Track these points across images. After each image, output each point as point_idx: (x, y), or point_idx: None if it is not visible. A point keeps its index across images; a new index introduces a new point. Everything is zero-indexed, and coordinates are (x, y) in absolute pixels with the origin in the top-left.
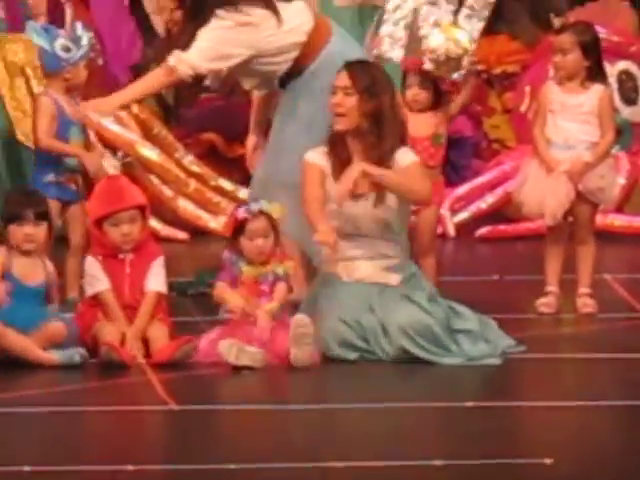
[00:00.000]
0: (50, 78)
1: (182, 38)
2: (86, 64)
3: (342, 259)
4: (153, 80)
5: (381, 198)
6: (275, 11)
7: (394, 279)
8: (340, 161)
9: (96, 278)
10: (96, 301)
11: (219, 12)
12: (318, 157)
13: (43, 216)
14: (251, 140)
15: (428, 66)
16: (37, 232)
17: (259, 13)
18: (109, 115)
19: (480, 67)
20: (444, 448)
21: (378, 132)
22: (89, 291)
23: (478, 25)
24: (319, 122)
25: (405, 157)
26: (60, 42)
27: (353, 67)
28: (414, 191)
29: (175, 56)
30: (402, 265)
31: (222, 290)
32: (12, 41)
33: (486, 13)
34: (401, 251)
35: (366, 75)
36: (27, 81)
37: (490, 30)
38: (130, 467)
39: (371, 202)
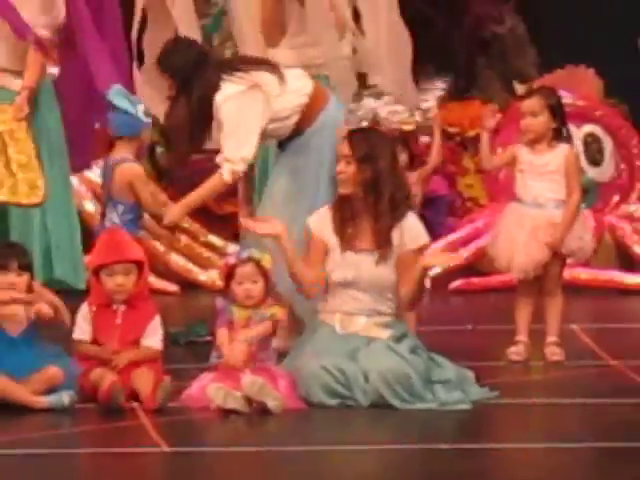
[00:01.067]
0: (126, 141)
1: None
2: None
3: (340, 312)
4: (215, 185)
5: (383, 258)
6: (280, 74)
7: (384, 334)
8: (343, 219)
9: (80, 326)
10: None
11: (227, 77)
12: (320, 221)
13: (28, 266)
14: (245, 211)
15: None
16: (24, 280)
17: (265, 76)
18: (175, 222)
19: (455, 130)
20: None
21: (376, 196)
22: (74, 334)
23: None
24: (316, 179)
25: (410, 236)
26: (141, 107)
27: (353, 136)
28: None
29: (227, 160)
30: (394, 322)
31: (223, 337)
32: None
33: None
34: (392, 307)
35: (365, 143)
36: None
37: (464, 96)
38: None
39: (374, 260)
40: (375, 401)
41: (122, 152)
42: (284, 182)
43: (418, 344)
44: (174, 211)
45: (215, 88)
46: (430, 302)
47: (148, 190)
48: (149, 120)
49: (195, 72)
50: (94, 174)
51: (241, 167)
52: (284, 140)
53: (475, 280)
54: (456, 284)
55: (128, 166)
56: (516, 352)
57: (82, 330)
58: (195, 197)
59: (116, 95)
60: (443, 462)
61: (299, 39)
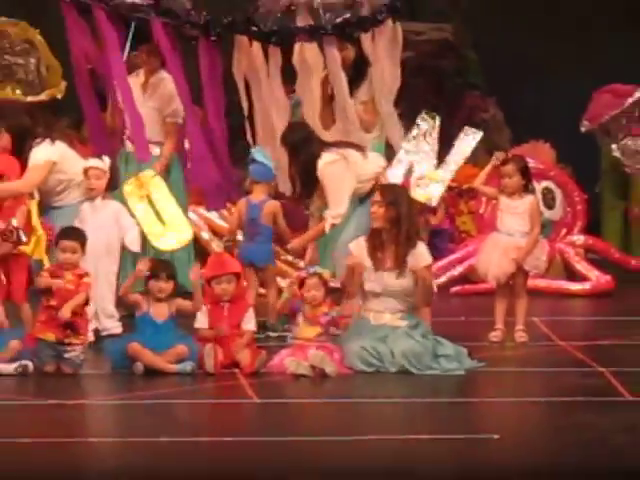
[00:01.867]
0: (263, 185)
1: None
2: None
3: (373, 310)
4: (320, 231)
5: (402, 274)
6: (363, 151)
7: (403, 324)
8: (375, 247)
9: (199, 319)
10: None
11: (327, 150)
12: (360, 247)
13: (173, 276)
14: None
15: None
16: (170, 286)
17: (352, 151)
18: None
19: (454, 184)
20: (429, 427)
21: (397, 230)
22: (195, 324)
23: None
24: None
25: (421, 258)
26: (273, 162)
27: (383, 187)
28: (421, 292)
29: (332, 216)
30: (409, 316)
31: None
32: None
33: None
34: (410, 307)
35: (391, 193)
36: None
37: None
38: (227, 438)
39: (395, 275)
40: (399, 369)
41: (261, 194)
42: (363, 223)
43: (427, 330)
44: (294, 243)
45: (317, 157)
46: (438, 301)
47: (283, 220)
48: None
49: (304, 145)
50: (208, 213)
51: (338, 220)
52: (363, 196)
53: (468, 287)
54: (455, 289)
55: (272, 203)
56: (495, 336)
57: (201, 321)
58: (307, 237)
59: (257, 152)
60: (445, 410)
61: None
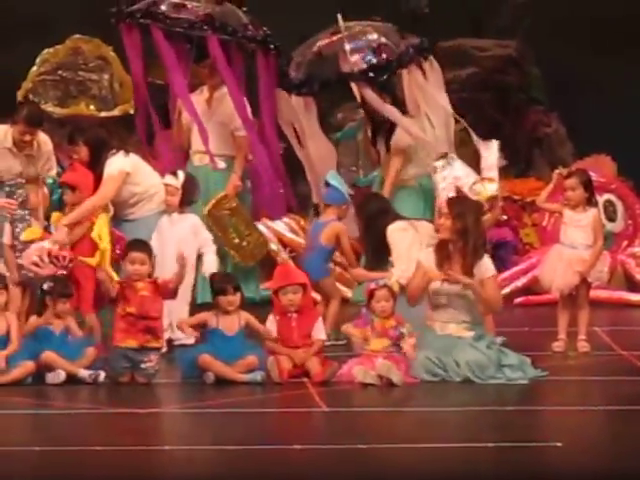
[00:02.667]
0: (334, 208)
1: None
2: None
3: (439, 320)
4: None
5: (467, 285)
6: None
7: (468, 335)
8: (442, 258)
9: (268, 330)
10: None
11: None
12: (428, 258)
13: (239, 288)
14: None
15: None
16: (238, 298)
17: (424, 223)
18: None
19: (518, 197)
20: (494, 435)
21: (463, 243)
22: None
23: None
24: None
25: (485, 269)
26: (346, 187)
27: (451, 200)
28: (486, 300)
29: (397, 274)
30: (474, 326)
31: (349, 328)
32: None
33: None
34: (475, 318)
35: (458, 205)
36: None
37: (524, 174)
38: (296, 446)
39: (461, 286)
40: (463, 379)
41: (330, 215)
42: None
43: (492, 340)
44: (358, 275)
45: (387, 225)
46: (501, 312)
47: (348, 242)
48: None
49: (379, 217)
50: (277, 225)
51: (404, 281)
52: None
53: (531, 297)
54: (519, 300)
55: (336, 224)
56: (558, 345)
57: (270, 332)
58: (372, 276)
59: (331, 177)
60: (509, 418)
61: None
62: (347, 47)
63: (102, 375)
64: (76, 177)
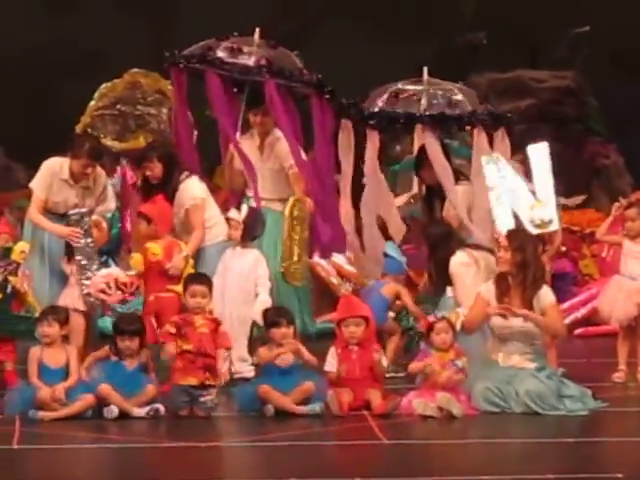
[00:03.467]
0: (389, 277)
1: None
2: None
3: (501, 352)
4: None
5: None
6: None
7: (531, 366)
8: (502, 291)
9: (329, 361)
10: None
11: (461, 251)
12: (488, 291)
13: (293, 321)
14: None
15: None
16: (291, 331)
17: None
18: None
19: (577, 229)
20: (555, 466)
21: (523, 275)
22: (325, 367)
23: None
24: None
25: (545, 298)
26: (404, 259)
27: (510, 232)
28: (549, 327)
29: (464, 313)
30: (536, 357)
31: (414, 366)
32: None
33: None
34: (537, 349)
35: (517, 239)
36: None
37: (583, 205)
38: (357, 479)
39: (521, 320)
40: (524, 409)
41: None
42: None
43: (553, 372)
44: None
45: (452, 254)
46: (561, 343)
47: (410, 299)
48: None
49: (444, 242)
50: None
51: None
52: None
53: (591, 328)
54: (578, 331)
55: (397, 285)
56: (618, 376)
57: (331, 364)
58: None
59: (389, 247)
60: (569, 450)
61: None
62: (424, 97)
63: (162, 410)
64: (155, 210)
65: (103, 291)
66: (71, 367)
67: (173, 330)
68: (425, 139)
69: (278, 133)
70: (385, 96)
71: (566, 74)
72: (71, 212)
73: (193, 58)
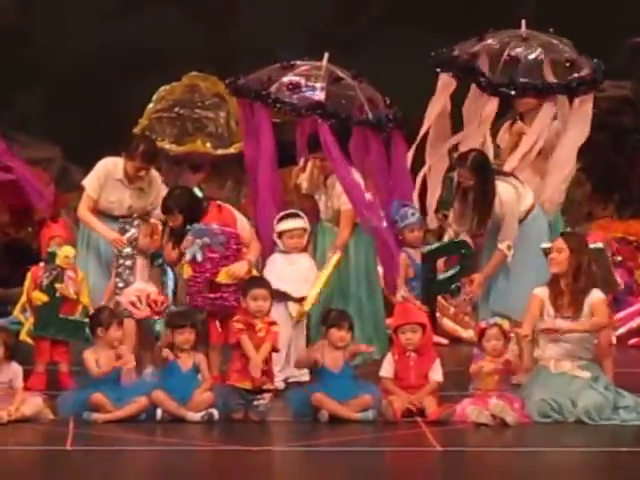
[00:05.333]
0: None
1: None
2: None
3: (554, 358)
4: (501, 261)
5: (580, 318)
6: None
7: (585, 374)
8: (555, 293)
9: (385, 367)
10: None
11: (506, 187)
12: (542, 291)
13: (353, 327)
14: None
15: None
16: (349, 336)
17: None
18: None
19: (633, 238)
20: (609, 476)
21: (577, 278)
22: (380, 372)
23: None
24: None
25: (595, 295)
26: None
27: (567, 235)
28: (596, 326)
29: (509, 247)
30: (590, 365)
31: (473, 367)
32: None
33: None
34: (590, 355)
35: (574, 241)
36: None
37: (639, 215)
38: None
39: (573, 320)
40: (578, 420)
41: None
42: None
43: (608, 382)
44: (479, 279)
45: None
46: (616, 353)
47: None
48: None
49: (487, 174)
50: None
51: (512, 250)
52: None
53: None
54: (633, 341)
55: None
56: None
57: (387, 370)
58: (489, 270)
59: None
60: (623, 459)
61: None
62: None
63: (216, 415)
64: (224, 218)
65: (133, 304)
66: (202, 372)
67: (242, 326)
68: (543, 110)
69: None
70: (504, 60)
71: (624, 84)
72: (121, 220)
73: (249, 92)
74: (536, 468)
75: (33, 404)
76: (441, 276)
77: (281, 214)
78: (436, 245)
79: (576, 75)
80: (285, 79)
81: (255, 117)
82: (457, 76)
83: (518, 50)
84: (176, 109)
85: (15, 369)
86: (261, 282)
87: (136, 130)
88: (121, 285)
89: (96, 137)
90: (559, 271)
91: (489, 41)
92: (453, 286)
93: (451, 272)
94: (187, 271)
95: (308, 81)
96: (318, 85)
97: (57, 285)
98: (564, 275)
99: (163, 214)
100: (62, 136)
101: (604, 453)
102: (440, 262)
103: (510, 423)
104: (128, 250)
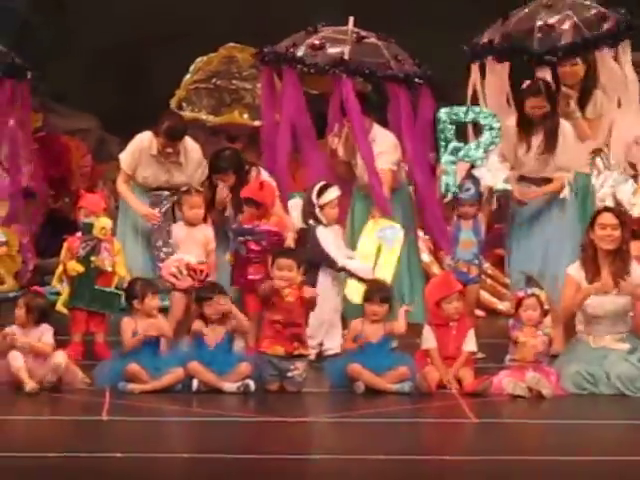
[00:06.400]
0: None
1: None
2: None
3: (593, 334)
4: (558, 188)
5: (619, 295)
6: None
7: (624, 347)
8: (592, 272)
9: (427, 338)
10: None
11: None
12: (576, 271)
13: (387, 300)
14: None
15: None
16: (384, 309)
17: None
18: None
19: None
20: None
21: (626, 251)
22: (423, 345)
23: None
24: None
25: (636, 268)
26: None
27: (614, 211)
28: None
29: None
30: (629, 337)
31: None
32: None
33: None
34: (628, 327)
35: (620, 216)
36: None
37: None
38: (446, 457)
39: (613, 296)
40: (614, 392)
41: None
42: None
43: None
44: (529, 195)
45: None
46: None
47: None
48: None
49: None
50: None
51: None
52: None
53: None
54: None
55: None
56: None
57: (430, 341)
58: (545, 190)
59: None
60: None
61: None
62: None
63: (252, 385)
64: (264, 195)
65: (174, 275)
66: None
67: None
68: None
69: (375, 132)
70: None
71: None
72: (152, 194)
73: (275, 58)
74: (572, 440)
75: (70, 370)
76: None
77: (318, 186)
78: None
79: (606, 26)
80: (309, 41)
81: (283, 83)
82: (498, 59)
83: (548, 18)
84: (213, 80)
85: (43, 328)
86: (287, 252)
87: (173, 101)
88: (161, 257)
89: (133, 108)
90: (614, 247)
91: (514, 19)
92: None
93: None
94: (230, 260)
95: (333, 42)
96: (342, 45)
97: (92, 258)
98: (620, 249)
99: (216, 174)
100: (99, 107)
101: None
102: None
103: (546, 395)
104: (164, 224)
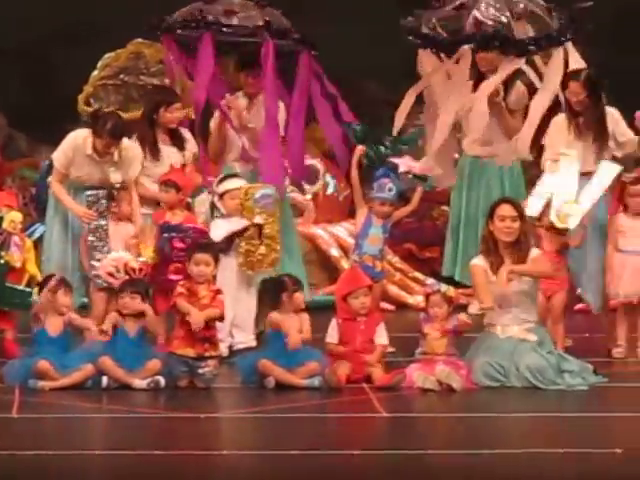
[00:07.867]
0: None
1: None
2: None
3: (500, 324)
4: None
5: (521, 280)
6: None
7: (532, 337)
8: (493, 263)
9: (330, 334)
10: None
11: None
12: (480, 260)
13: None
14: None
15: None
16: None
17: None
18: None
19: None
20: (553, 441)
21: (525, 241)
22: (327, 339)
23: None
24: None
25: (533, 252)
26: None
27: (513, 203)
28: (541, 272)
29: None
30: (537, 328)
31: (428, 332)
32: None
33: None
34: (536, 318)
35: (519, 209)
36: None
37: None
38: (356, 451)
39: (517, 283)
40: (524, 384)
41: None
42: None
43: (552, 345)
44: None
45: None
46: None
47: None
48: None
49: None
50: (338, 230)
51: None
52: None
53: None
54: (579, 306)
55: None
56: (618, 352)
57: (332, 336)
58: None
59: None
60: (567, 423)
61: None
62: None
63: (162, 382)
64: (184, 179)
65: (111, 274)
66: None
67: (183, 290)
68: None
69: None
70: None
71: None
72: (88, 192)
73: (191, 23)
74: (482, 433)
75: None
76: None
77: (222, 175)
78: None
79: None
80: (217, 7)
81: (198, 49)
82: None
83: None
84: (121, 76)
85: None
86: (204, 247)
87: (81, 97)
88: (98, 257)
89: (41, 104)
90: (512, 239)
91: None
92: None
93: None
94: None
95: (238, 7)
96: (249, 11)
97: (2, 253)
98: (518, 241)
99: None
100: (6, 104)
101: (550, 418)
102: None
103: (456, 389)
104: (101, 222)
